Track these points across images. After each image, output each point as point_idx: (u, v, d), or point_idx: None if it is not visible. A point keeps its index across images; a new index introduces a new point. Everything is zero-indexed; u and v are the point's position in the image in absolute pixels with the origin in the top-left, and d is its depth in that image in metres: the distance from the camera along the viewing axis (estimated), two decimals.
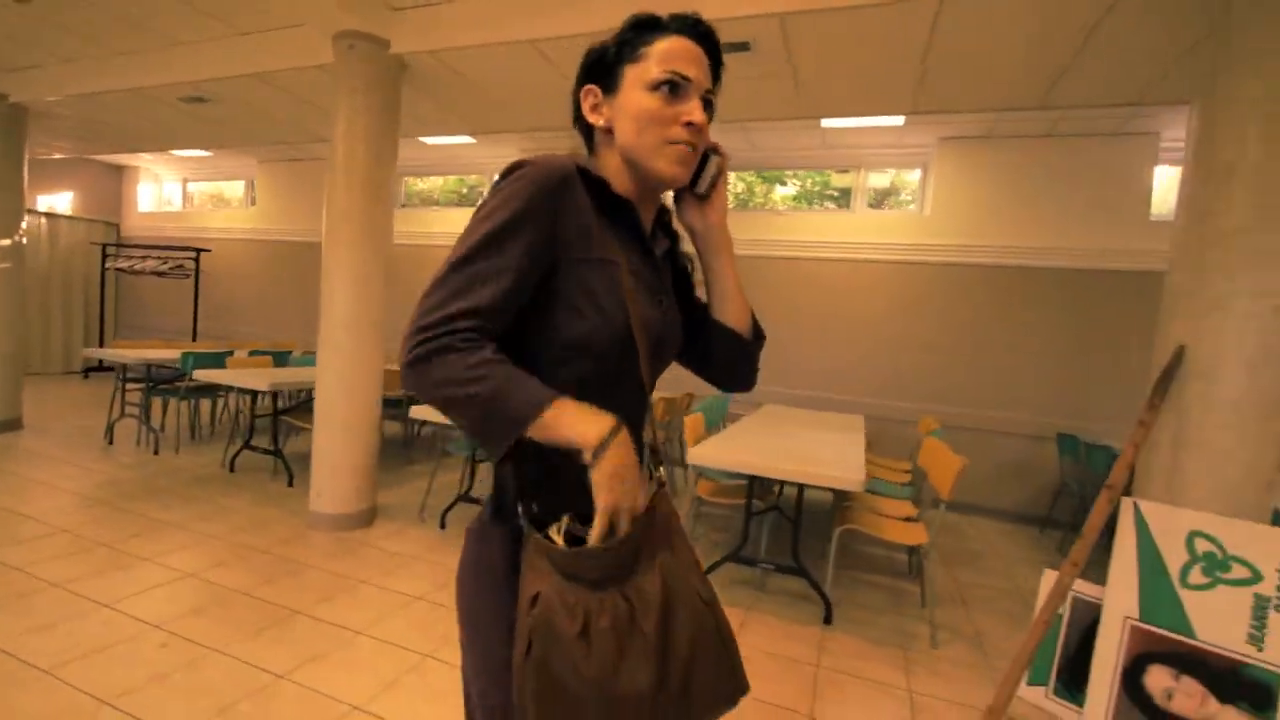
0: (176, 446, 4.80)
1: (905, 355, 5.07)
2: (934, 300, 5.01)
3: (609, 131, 0.85)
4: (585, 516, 0.73)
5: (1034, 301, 4.71)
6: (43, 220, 8.01)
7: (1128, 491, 2.12)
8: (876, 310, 5.19)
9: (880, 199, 5.80)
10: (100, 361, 7.30)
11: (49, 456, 4.39)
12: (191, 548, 3.00)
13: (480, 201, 0.79)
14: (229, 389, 4.73)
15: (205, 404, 5.57)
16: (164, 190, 8.93)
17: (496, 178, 0.80)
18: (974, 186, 4.90)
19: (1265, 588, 1.81)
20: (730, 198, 5.81)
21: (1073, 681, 2.18)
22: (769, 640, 2.57)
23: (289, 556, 3.00)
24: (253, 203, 8.14)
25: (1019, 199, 4.76)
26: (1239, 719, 1.77)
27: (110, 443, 4.80)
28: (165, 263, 7.51)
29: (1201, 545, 1.93)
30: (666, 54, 0.81)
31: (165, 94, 4.38)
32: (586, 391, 0.75)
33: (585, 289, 0.78)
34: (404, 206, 7.43)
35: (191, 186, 8.95)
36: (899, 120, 4.46)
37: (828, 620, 2.76)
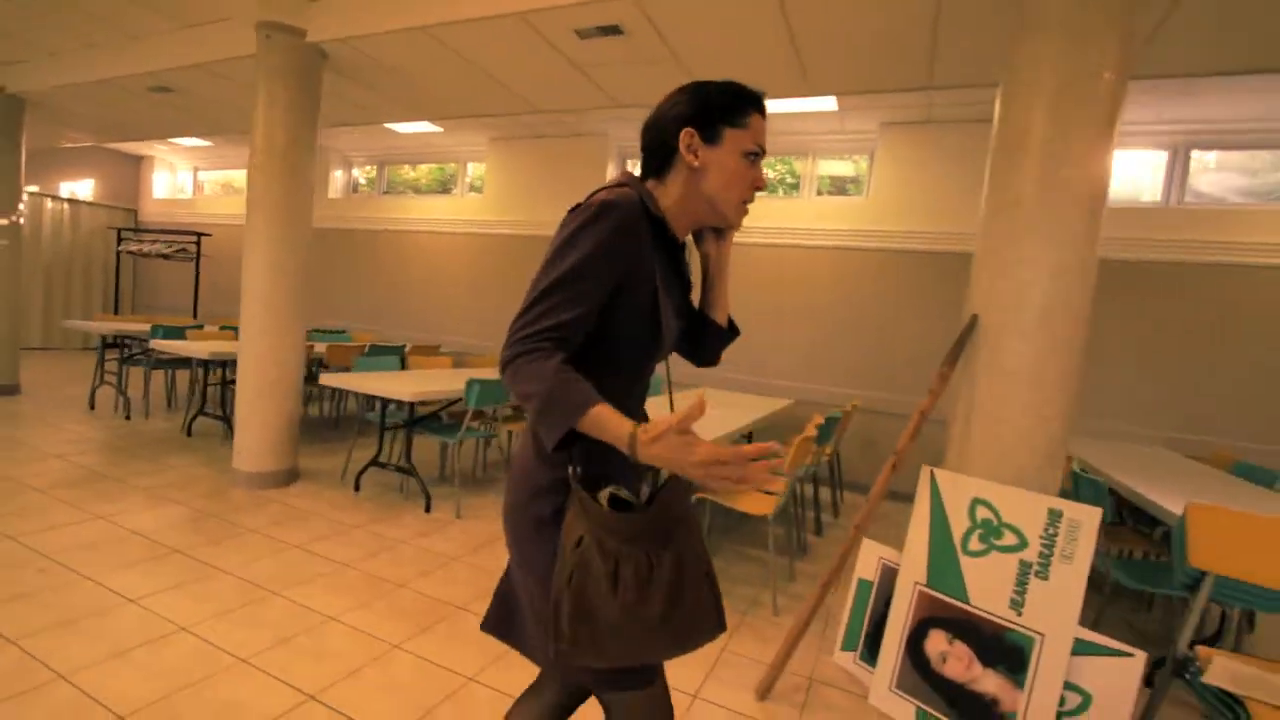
0: (146, 412, 5.20)
1: (844, 341, 5.08)
2: (873, 286, 5.01)
3: (694, 170, 1.03)
4: (612, 481, 0.97)
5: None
6: (65, 206, 8.63)
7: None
8: (818, 296, 5.21)
9: (841, 187, 5.80)
10: (116, 338, 7.85)
11: (38, 417, 4.82)
12: (120, 499, 3.31)
13: (568, 230, 0.95)
14: (191, 361, 5.07)
15: (184, 375, 5.96)
16: (178, 178, 9.48)
17: (585, 212, 0.95)
18: (914, 171, 4.87)
19: (1029, 554, 1.87)
20: None
21: (876, 646, 2.25)
22: None
23: (201, 508, 3.27)
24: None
25: (959, 184, 4.71)
26: (998, 681, 1.83)
27: (92, 408, 5.23)
28: (170, 246, 8.00)
29: (981, 512, 2.00)
30: (758, 130, 1.05)
31: (134, 84, 4.72)
32: (620, 378, 1.02)
33: (636, 306, 0.99)
34: (386, 193, 7.74)
35: (202, 175, 9.47)
36: (830, 104, 4.48)
37: None
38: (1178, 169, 4.44)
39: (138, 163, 9.37)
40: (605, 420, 0.85)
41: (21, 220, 5.64)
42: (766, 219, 5.39)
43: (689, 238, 1.16)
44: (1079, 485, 2.61)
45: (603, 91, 3.90)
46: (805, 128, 5.21)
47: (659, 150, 1.06)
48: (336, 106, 4.79)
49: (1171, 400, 4.22)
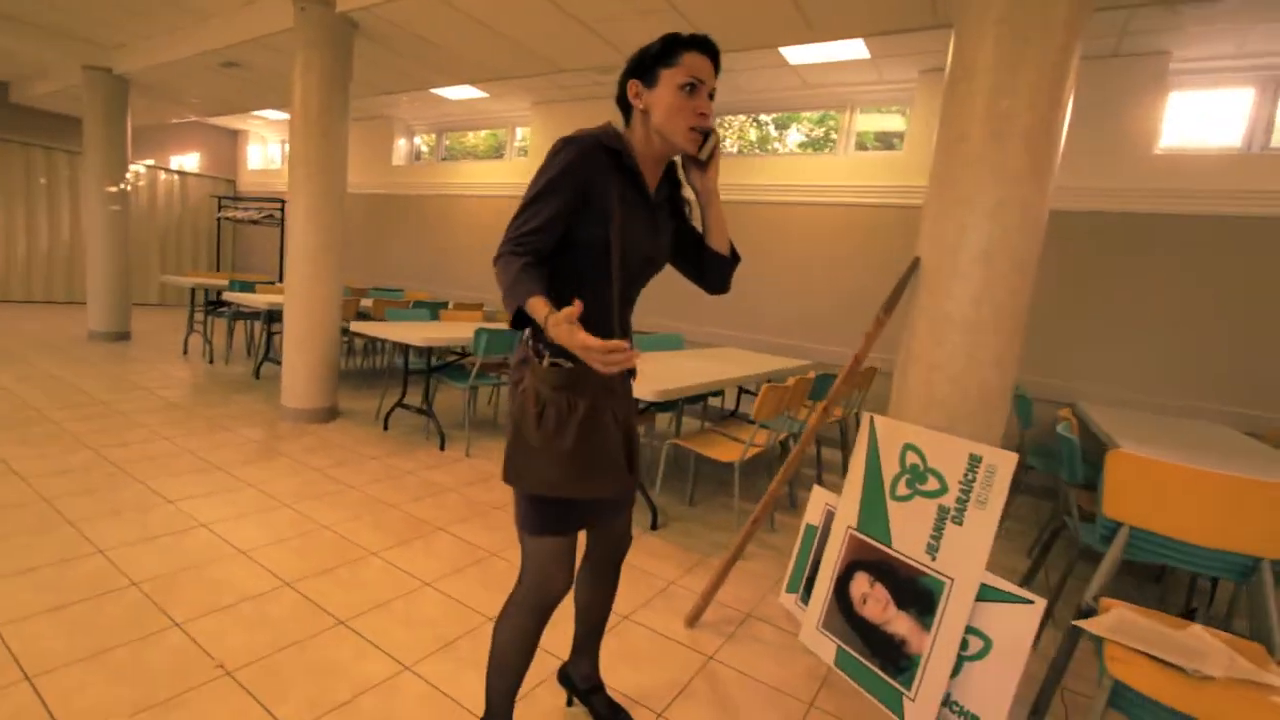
0: (227, 358, 5.88)
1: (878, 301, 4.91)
2: (910, 244, 4.78)
3: (645, 112, 1.26)
4: (560, 356, 1.23)
5: None
6: (175, 177, 9.68)
7: None
8: (847, 255, 5.05)
9: (889, 142, 5.52)
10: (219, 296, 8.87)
11: (140, 358, 5.58)
12: (184, 424, 3.83)
13: (542, 161, 1.22)
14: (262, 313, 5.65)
15: (260, 326, 6.64)
16: (268, 150, 10.35)
17: (553, 146, 1.22)
18: None
19: (948, 499, 1.87)
20: (732, 145, 5.83)
21: (814, 588, 2.30)
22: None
23: (248, 436, 3.74)
24: None
25: None
26: (909, 623, 1.86)
27: (185, 353, 5.97)
28: (260, 213, 8.82)
29: (910, 458, 2.00)
30: (692, 65, 1.21)
31: (209, 60, 5.23)
32: (585, 277, 1.24)
33: (595, 215, 1.22)
34: (445, 159, 8.12)
35: (289, 146, 10.29)
36: (860, 51, 4.29)
37: (654, 526, 3.01)
38: (1263, 109, 3.91)
39: (235, 136, 10.30)
40: (535, 307, 1.09)
41: (129, 188, 6.42)
42: (799, 177, 5.25)
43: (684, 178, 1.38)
44: (1064, 447, 2.48)
45: (613, 47, 3.94)
46: (841, 79, 4.99)
47: (621, 104, 1.31)
48: (381, 74, 5.10)
49: (1244, 372, 3.81)
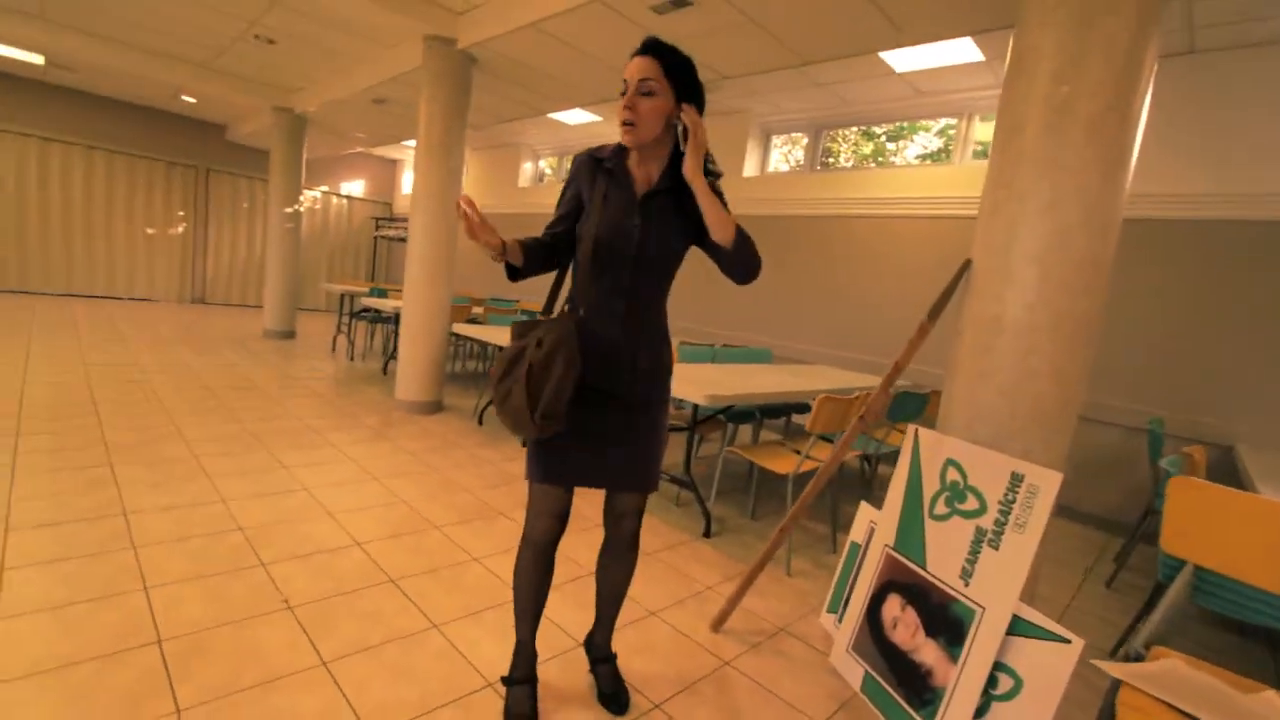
0: (365, 356, 6.66)
1: None
2: None
3: None
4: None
5: (1156, 260, 3.84)
6: (345, 201, 11.18)
7: None
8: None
9: None
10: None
11: (297, 353, 6.52)
12: (314, 406, 4.43)
13: None
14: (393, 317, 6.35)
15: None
16: None
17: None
18: None
19: (985, 520, 1.75)
20: (846, 159, 5.68)
21: (848, 608, 2.20)
22: (645, 536, 2.92)
23: (361, 420, 4.23)
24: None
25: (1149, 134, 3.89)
26: (936, 652, 1.75)
27: (333, 350, 6.87)
28: (407, 232, 9.93)
29: (951, 474, 1.88)
30: (625, 70, 1.38)
31: (363, 99, 6.06)
32: (587, 265, 1.44)
33: (587, 210, 1.45)
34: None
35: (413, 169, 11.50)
36: (974, 55, 4.05)
37: (706, 534, 3.00)
38: None
39: (392, 165, 11.71)
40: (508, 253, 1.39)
41: (301, 210, 7.54)
42: (913, 189, 4.99)
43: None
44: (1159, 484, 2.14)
45: (701, 63, 4.02)
46: (955, 84, 4.70)
47: None
48: (499, 102, 5.60)
49: None
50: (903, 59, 4.39)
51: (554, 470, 1.49)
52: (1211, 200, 3.66)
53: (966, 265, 1.93)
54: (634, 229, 1.41)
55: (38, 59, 6.93)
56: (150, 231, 9.34)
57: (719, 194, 1.39)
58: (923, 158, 5.62)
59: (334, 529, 2.56)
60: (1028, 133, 1.74)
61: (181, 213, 9.58)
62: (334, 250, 11.17)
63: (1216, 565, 1.34)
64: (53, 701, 1.47)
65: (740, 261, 1.40)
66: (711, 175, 1.36)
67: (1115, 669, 1.20)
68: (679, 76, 1.38)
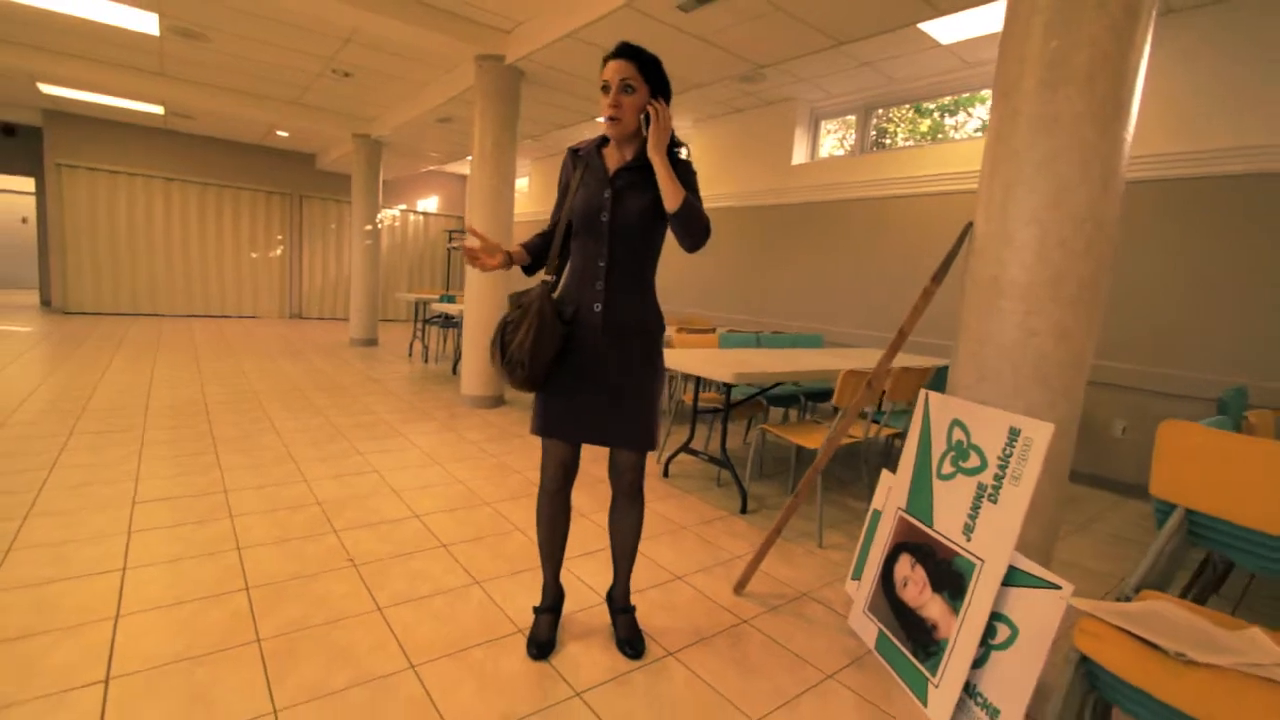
0: (439, 359, 7.15)
1: None
2: None
3: None
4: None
5: (1234, 225, 3.57)
6: (422, 218, 11.95)
7: None
8: None
9: None
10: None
11: (378, 358, 7.09)
12: (390, 403, 4.85)
13: None
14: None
15: None
16: None
17: None
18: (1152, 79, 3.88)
19: (986, 476, 1.80)
20: (904, 138, 5.59)
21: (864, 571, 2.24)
22: (682, 513, 3.06)
23: (428, 412, 4.60)
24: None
25: (1188, 87, 3.63)
26: (941, 606, 1.81)
27: (410, 354, 7.41)
28: None
29: (956, 434, 1.93)
30: (605, 72, 1.57)
31: (428, 119, 6.54)
32: (573, 236, 1.66)
33: (571, 193, 1.67)
34: None
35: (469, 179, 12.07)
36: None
37: (743, 510, 3.09)
38: None
39: (462, 181, 12.39)
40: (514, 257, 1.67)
41: (380, 227, 8.18)
42: (970, 163, 4.83)
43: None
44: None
45: (734, 55, 4.13)
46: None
47: None
48: (550, 111, 5.90)
49: None
50: (945, 30, 4.30)
51: (552, 425, 1.69)
52: None
53: (968, 228, 1.94)
54: (605, 201, 1.61)
55: (158, 109, 7.92)
56: (254, 255, 10.39)
57: (687, 167, 1.62)
58: (981, 131, 5.42)
59: (397, 504, 2.85)
60: (1023, 89, 1.75)
61: (280, 236, 10.59)
62: (412, 263, 11.97)
63: (1207, 508, 1.32)
64: (166, 629, 1.79)
65: (683, 228, 1.56)
66: (675, 146, 1.61)
67: (1090, 605, 1.22)
68: (652, 74, 1.59)
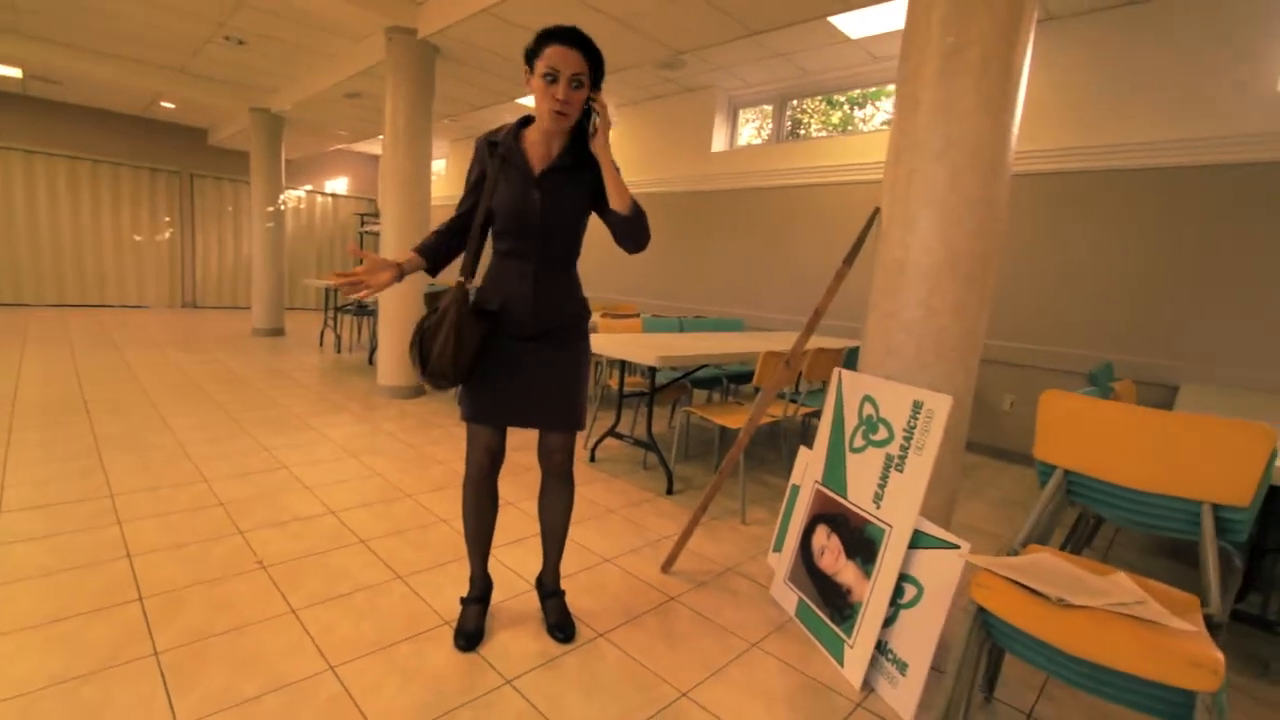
0: (352, 349, 6.81)
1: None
2: None
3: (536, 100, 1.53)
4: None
5: (1106, 213, 3.95)
6: (330, 199, 11.27)
7: None
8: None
9: None
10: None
11: (285, 349, 6.65)
12: (299, 395, 4.57)
13: None
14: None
15: None
16: None
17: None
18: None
19: (893, 447, 1.88)
20: (817, 128, 5.74)
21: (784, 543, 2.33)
22: (609, 496, 3.07)
23: (341, 404, 4.38)
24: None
25: (1086, 89, 3.98)
26: (854, 572, 1.89)
27: (321, 344, 7.01)
28: None
29: (867, 409, 2.02)
30: (550, 56, 1.44)
31: (336, 93, 6.15)
32: (496, 233, 1.61)
33: (490, 185, 1.57)
34: None
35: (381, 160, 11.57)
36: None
37: (669, 491, 3.14)
38: None
39: (374, 161, 11.78)
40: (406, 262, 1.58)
41: (284, 209, 7.65)
42: (878, 154, 5.07)
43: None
44: None
45: (655, 40, 4.13)
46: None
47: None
48: (467, 90, 5.69)
49: None
50: (854, 24, 4.48)
51: (480, 410, 1.65)
52: (1167, 147, 3.76)
53: (876, 213, 2.04)
54: (535, 202, 1.56)
55: (15, 72, 7.02)
56: (138, 239, 9.46)
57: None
58: (888, 123, 5.70)
59: (310, 500, 2.70)
60: (923, 79, 1.85)
61: (168, 219, 9.70)
62: (321, 248, 11.29)
63: (1084, 468, 1.47)
64: (41, 648, 1.62)
65: (632, 230, 1.57)
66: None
67: (980, 560, 1.33)
68: (598, 69, 1.52)
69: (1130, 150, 3.84)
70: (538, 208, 1.57)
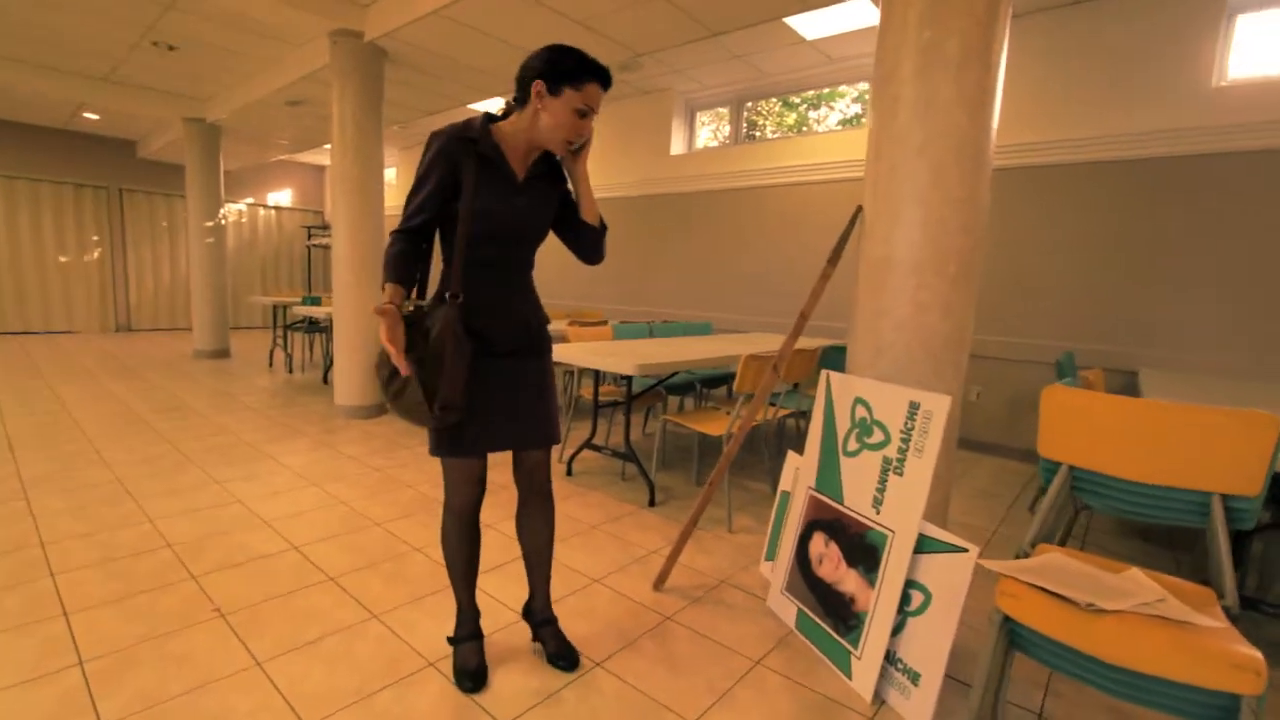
0: (304, 368, 6.48)
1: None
2: None
3: (538, 111, 1.43)
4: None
5: (1068, 205, 4.06)
6: (273, 213, 10.78)
7: None
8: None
9: None
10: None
11: (232, 371, 6.29)
12: (250, 421, 4.30)
13: (421, 158, 1.44)
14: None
15: None
16: None
17: (426, 141, 1.44)
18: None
19: (891, 450, 1.83)
20: (772, 130, 5.75)
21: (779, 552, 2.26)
22: (590, 511, 2.95)
23: (298, 429, 4.13)
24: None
25: (1032, 84, 4.09)
26: (857, 580, 1.83)
27: (271, 365, 6.65)
28: None
29: (859, 412, 1.96)
30: (591, 96, 1.42)
31: (276, 100, 5.85)
32: (472, 241, 1.42)
33: (463, 193, 1.40)
34: None
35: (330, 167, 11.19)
36: (874, 17, 4.15)
37: (651, 503, 3.05)
38: None
39: (320, 171, 11.34)
40: (387, 292, 1.38)
41: (224, 223, 7.25)
42: (835, 154, 5.11)
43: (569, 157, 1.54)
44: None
45: (615, 42, 4.05)
46: (863, 49, 4.84)
47: (521, 88, 1.45)
48: (418, 95, 5.50)
49: None
50: (810, 26, 4.50)
51: (463, 443, 1.52)
52: (1109, 141, 3.88)
53: (858, 212, 2.01)
54: (523, 210, 1.50)
55: None
56: (64, 259, 8.84)
57: None
58: (844, 123, 5.76)
59: (269, 536, 2.51)
60: (901, 76, 1.82)
61: (96, 237, 9.09)
62: (266, 263, 10.78)
63: (1088, 464, 1.45)
64: None
65: (599, 242, 1.61)
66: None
67: (996, 565, 1.29)
68: None
69: (1082, 144, 3.96)
70: (525, 216, 1.50)
